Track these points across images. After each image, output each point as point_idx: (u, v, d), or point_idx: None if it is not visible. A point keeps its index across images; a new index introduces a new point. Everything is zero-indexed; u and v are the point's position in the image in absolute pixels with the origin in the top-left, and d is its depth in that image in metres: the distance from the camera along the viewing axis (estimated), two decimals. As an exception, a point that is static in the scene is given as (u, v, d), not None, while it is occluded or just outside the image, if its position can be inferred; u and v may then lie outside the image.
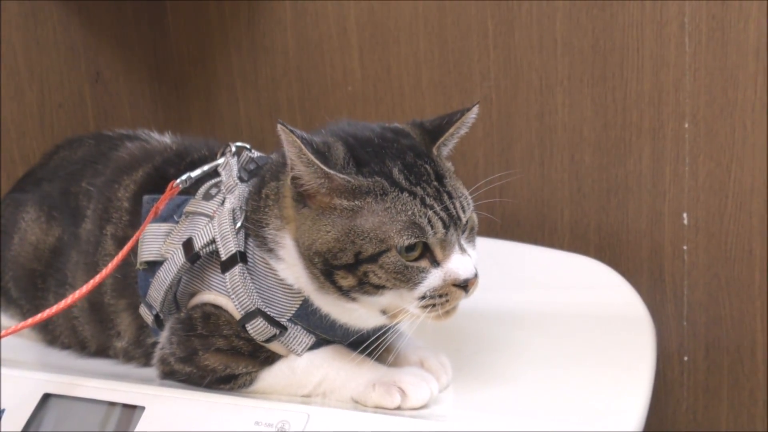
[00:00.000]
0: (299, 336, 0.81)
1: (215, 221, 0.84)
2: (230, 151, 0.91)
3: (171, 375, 0.85)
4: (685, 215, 1.09)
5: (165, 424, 0.74)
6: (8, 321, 1.06)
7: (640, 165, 1.11)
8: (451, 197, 0.76)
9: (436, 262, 0.76)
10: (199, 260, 0.84)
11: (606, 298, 1.00)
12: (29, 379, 0.82)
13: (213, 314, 0.83)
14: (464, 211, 0.77)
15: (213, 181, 0.90)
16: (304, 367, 0.81)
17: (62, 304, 0.82)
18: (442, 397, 0.80)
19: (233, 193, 0.86)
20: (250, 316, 0.80)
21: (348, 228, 0.75)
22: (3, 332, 0.81)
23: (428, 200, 0.75)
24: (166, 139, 1.03)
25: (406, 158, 0.77)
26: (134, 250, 0.89)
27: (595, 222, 1.16)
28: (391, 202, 0.75)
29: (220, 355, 0.82)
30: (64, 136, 1.18)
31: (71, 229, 0.98)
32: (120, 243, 0.92)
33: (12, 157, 1.28)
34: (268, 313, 0.80)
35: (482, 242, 1.13)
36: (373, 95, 1.31)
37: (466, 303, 0.92)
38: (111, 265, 0.84)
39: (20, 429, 0.77)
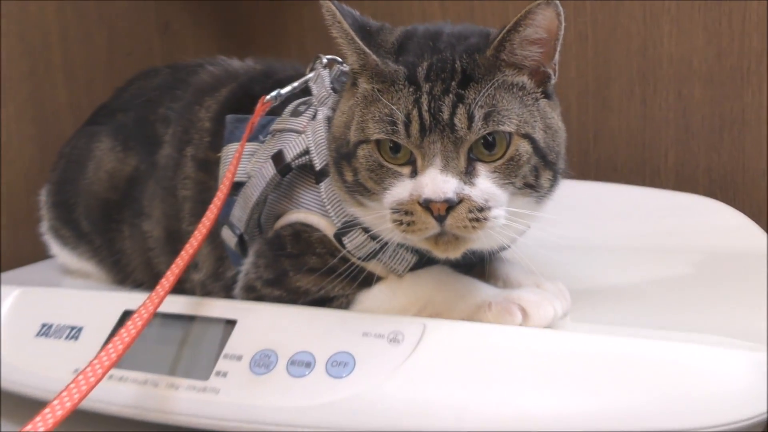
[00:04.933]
0: (401, 253, 0.73)
1: (309, 131, 0.78)
2: (321, 63, 0.84)
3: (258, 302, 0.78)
4: (812, 149, 0.99)
5: (260, 335, 0.66)
6: (76, 260, 1.00)
7: (759, 96, 1.01)
8: (460, 101, 0.64)
9: (415, 173, 0.66)
10: (288, 175, 0.77)
11: (732, 239, 0.90)
12: (109, 297, 0.75)
13: (304, 231, 0.76)
14: (470, 122, 0.64)
15: (301, 99, 0.85)
16: (406, 288, 0.73)
17: (184, 258, 0.70)
18: (560, 323, 0.71)
19: (326, 105, 0.80)
20: (348, 227, 0.72)
21: (354, 113, 0.69)
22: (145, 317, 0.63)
23: (423, 98, 0.65)
24: (249, 62, 0.97)
25: (444, 54, 0.67)
26: (216, 173, 0.83)
27: (705, 163, 1.06)
28: (393, 93, 0.66)
29: (314, 275, 0.75)
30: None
31: (148, 159, 0.92)
32: (200, 165, 0.86)
33: (80, 103, 1.24)
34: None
35: (583, 186, 1.05)
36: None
37: (579, 240, 0.82)
38: (219, 199, 0.75)
39: (101, 345, 0.70)
